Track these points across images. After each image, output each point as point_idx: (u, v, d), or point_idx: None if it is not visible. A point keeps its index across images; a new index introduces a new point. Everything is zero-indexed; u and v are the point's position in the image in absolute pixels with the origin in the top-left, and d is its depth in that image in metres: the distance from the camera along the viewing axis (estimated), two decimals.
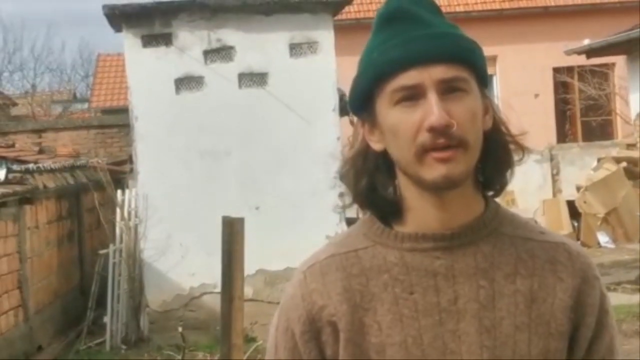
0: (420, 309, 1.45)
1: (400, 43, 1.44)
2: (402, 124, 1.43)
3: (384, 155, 1.50)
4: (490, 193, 1.55)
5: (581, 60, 16.35)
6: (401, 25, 1.47)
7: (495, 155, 1.50)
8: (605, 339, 1.51)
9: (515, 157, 1.54)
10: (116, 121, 15.64)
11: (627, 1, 18.41)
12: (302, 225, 9.34)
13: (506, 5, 18.62)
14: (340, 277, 1.51)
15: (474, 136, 1.43)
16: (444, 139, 1.40)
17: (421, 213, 1.49)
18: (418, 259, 1.48)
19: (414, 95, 1.43)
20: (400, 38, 1.45)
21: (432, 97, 1.41)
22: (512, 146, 1.54)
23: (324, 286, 1.51)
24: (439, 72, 1.42)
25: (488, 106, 1.51)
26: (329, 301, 1.49)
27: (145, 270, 9.62)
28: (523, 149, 1.54)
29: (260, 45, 9.75)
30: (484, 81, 1.50)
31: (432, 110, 1.40)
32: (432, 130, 1.40)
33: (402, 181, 1.50)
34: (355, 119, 1.60)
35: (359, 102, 1.52)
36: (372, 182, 1.52)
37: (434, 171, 1.41)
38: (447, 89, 1.42)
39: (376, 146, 1.51)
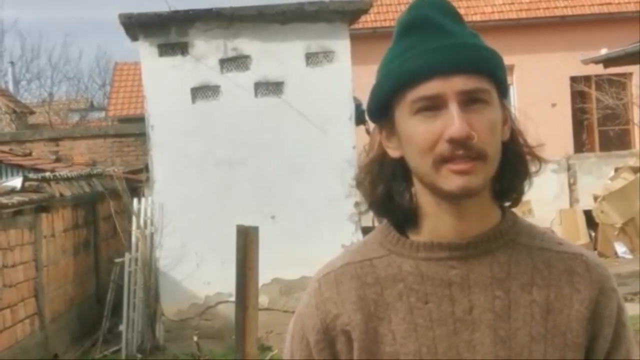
0: (435, 319, 1.45)
1: (422, 53, 1.43)
2: (422, 133, 1.42)
3: (401, 162, 1.50)
4: (507, 203, 1.54)
5: (598, 69, 16.24)
6: (422, 34, 1.45)
7: (513, 166, 1.50)
8: (622, 351, 1.50)
9: (532, 169, 1.53)
10: (132, 130, 15.72)
11: None
12: (318, 234, 9.32)
13: (523, 14, 18.53)
14: (354, 286, 1.50)
15: (493, 148, 1.43)
16: (463, 150, 1.39)
17: (437, 221, 1.48)
18: (433, 269, 1.47)
19: (434, 105, 1.42)
20: (422, 47, 1.44)
21: (454, 108, 1.40)
22: (529, 157, 1.53)
23: (339, 295, 1.51)
24: (461, 83, 1.41)
25: (507, 117, 1.50)
26: (343, 310, 1.49)
27: (161, 279, 9.63)
28: (540, 161, 1.53)
29: (276, 54, 9.75)
30: (504, 91, 1.49)
31: (454, 121, 1.39)
32: (452, 141, 1.39)
33: (418, 189, 1.50)
34: (371, 128, 1.59)
35: (378, 110, 1.51)
36: (388, 190, 1.52)
37: (451, 182, 1.41)
38: (469, 100, 1.41)
39: (393, 153, 1.51)
